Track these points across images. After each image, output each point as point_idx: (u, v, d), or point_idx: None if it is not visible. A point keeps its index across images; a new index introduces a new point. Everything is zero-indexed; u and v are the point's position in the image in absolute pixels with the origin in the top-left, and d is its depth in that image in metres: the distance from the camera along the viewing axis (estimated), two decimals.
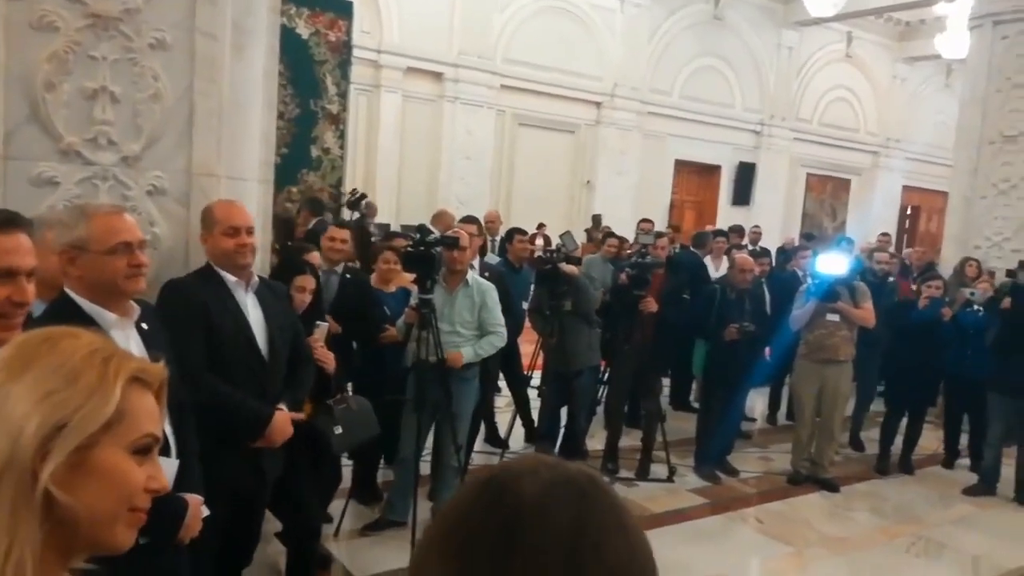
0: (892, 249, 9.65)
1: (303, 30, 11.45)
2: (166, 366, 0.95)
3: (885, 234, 10.14)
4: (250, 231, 2.71)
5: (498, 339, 4.35)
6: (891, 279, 6.98)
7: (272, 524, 3.44)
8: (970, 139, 8.38)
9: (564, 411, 5.71)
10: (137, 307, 2.06)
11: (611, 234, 7.25)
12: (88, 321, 1.84)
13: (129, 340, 1.96)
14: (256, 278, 2.78)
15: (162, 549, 1.98)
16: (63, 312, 1.85)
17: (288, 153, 10.82)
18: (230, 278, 2.69)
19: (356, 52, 11.99)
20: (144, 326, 2.06)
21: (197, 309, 2.58)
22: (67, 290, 1.97)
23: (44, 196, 2.68)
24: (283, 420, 2.76)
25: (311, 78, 11.62)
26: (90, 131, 2.75)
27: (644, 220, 8.77)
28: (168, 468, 1.84)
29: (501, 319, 4.37)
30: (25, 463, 0.79)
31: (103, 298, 1.97)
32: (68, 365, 0.85)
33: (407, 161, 12.67)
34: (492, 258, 6.36)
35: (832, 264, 5.51)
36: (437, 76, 12.80)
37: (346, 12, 11.81)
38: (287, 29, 10.05)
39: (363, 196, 4.77)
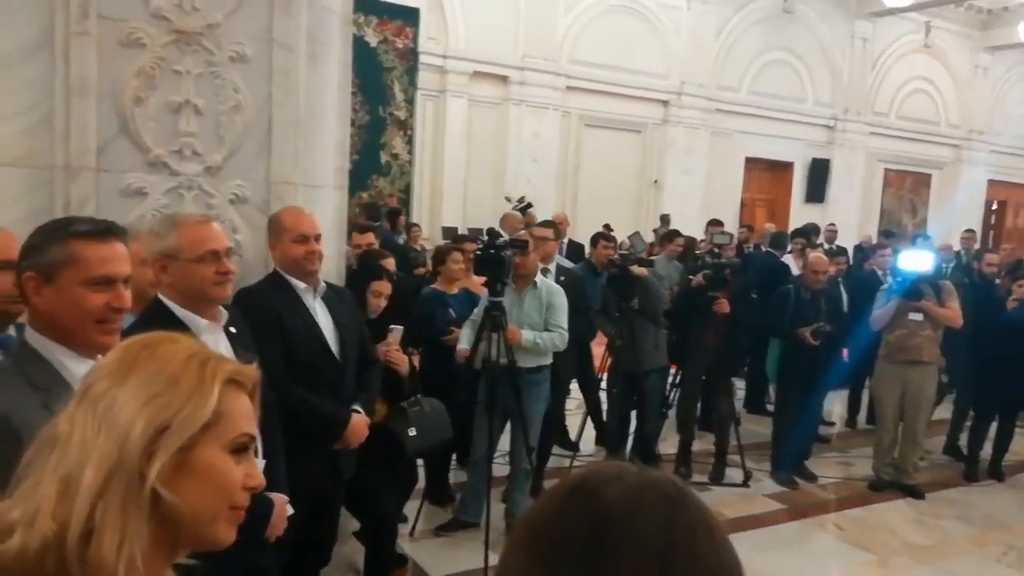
0: (978, 246, 9.27)
1: (371, 38, 11.67)
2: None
3: (969, 231, 9.75)
4: (318, 238, 2.75)
5: (559, 338, 4.32)
6: (998, 281, 6.67)
7: (351, 523, 3.51)
8: None
9: (633, 414, 5.66)
10: (225, 312, 2.13)
11: (676, 232, 7.15)
12: (180, 326, 1.91)
13: (219, 344, 2.03)
14: (323, 283, 2.82)
15: (249, 547, 2.04)
16: (157, 317, 1.93)
17: (358, 159, 11.06)
18: (299, 284, 2.74)
19: (423, 58, 12.19)
20: (232, 330, 2.13)
21: (271, 316, 2.63)
22: (160, 297, 2.05)
23: (134, 206, 2.78)
24: (360, 423, 2.81)
25: (379, 85, 11.85)
26: (176, 143, 2.84)
27: (713, 221, 8.65)
28: None
29: (564, 322, 4.33)
30: (133, 465, 0.83)
31: (193, 304, 2.04)
32: (168, 369, 0.88)
33: (474, 164, 12.75)
34: (561, 260, 6.35)
35: (916, 261, 5.30)
36: (503, 79, 12.84)
37: (413, 19, 11.99)
38: (356, 37, 10.19)
39: (529, 204, 4.77)
